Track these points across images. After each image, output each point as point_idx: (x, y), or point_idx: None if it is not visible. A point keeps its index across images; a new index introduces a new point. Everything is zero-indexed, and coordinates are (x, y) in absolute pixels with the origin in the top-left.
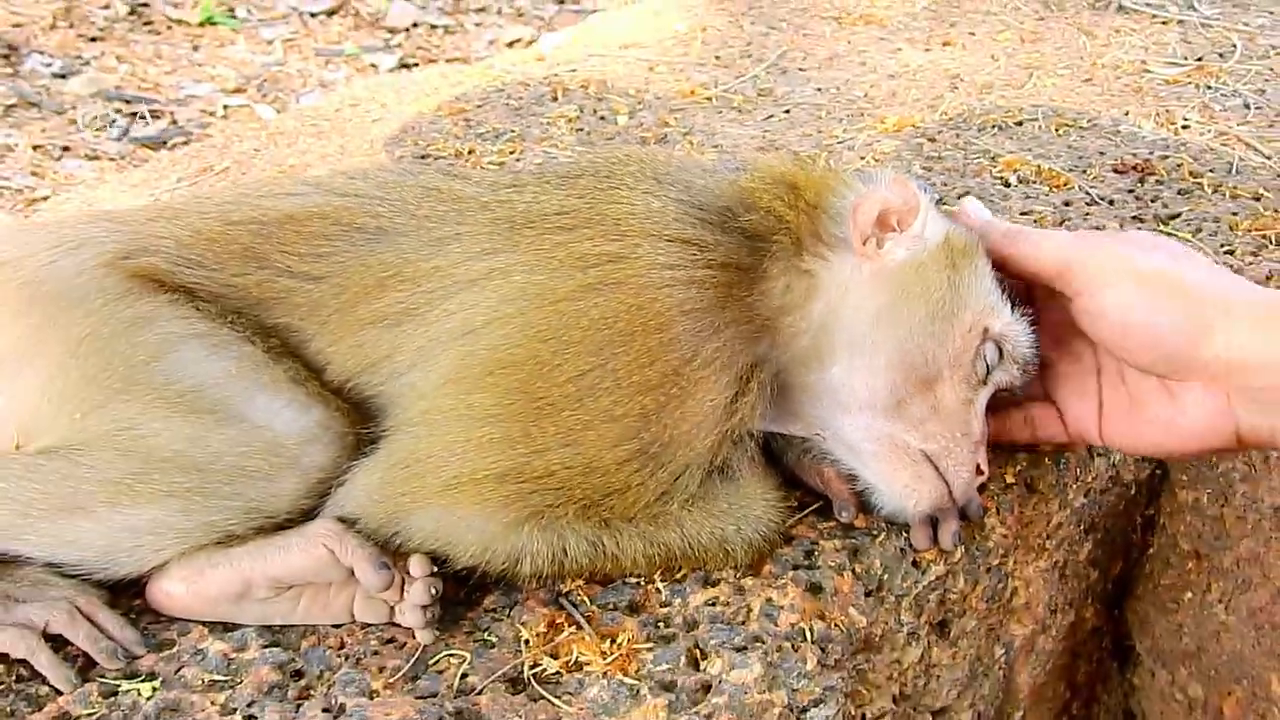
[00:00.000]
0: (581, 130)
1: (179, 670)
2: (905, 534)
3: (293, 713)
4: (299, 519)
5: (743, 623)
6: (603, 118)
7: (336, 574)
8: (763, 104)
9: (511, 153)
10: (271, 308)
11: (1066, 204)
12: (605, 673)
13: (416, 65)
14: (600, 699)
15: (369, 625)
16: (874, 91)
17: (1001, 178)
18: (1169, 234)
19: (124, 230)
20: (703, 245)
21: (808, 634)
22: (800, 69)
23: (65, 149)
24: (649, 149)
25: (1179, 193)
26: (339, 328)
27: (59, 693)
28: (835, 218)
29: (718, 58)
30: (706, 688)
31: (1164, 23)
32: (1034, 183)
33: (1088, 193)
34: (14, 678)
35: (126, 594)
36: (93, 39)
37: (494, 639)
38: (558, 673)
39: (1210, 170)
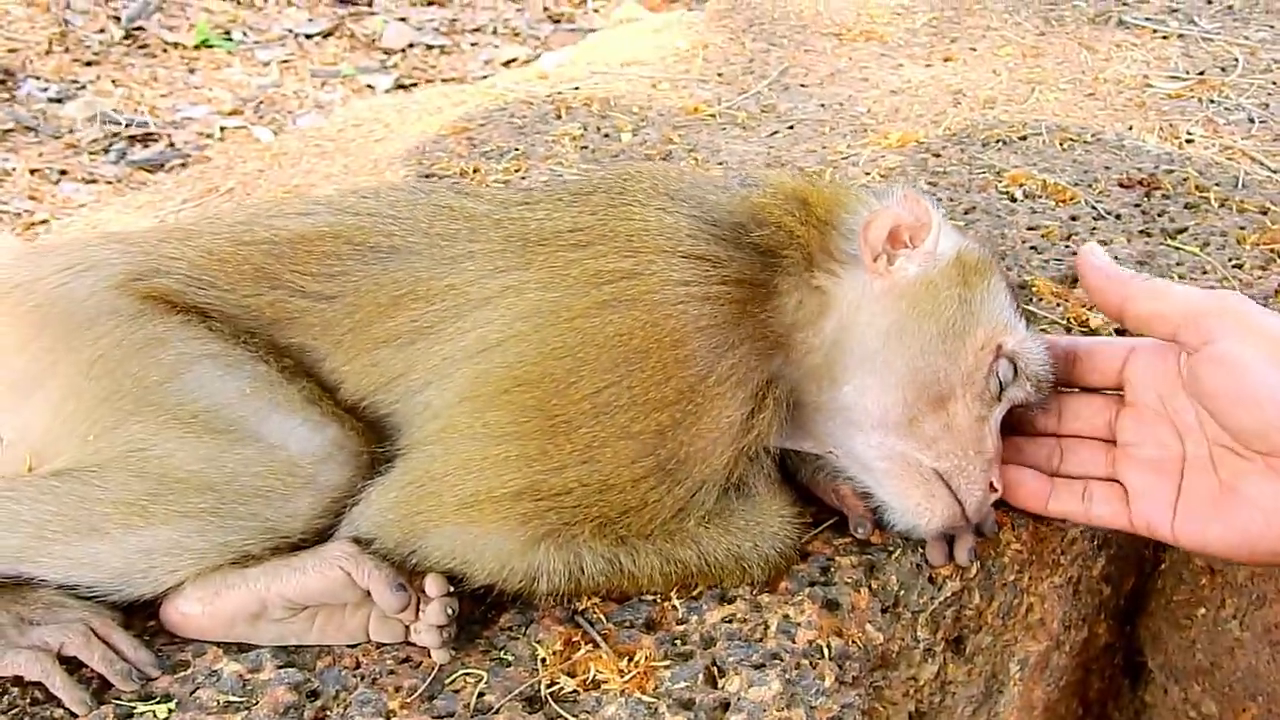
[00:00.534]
0: (586, 148)
1: (194, 692)
2: (921, 550)
3: None
4: (314, 539)
5: (760, 640)
6: (607, 135)
7: (352, 595)
8: (766, 120)
9: (516, 171)
10: (285, 327)
11: (1073, 218)
12: (623, 691)
13: (414, 86)
14: (618, 717)
15: (384, 645)
16: (877, 107)
17: (1007, 192)
18: (1176, 248)
19: (135, 251)
20: (716, 261)
21: (825, 651)
22: (802, 85)
23: (63, 172)
24: (661, 165)
25: (1185, 207)
26: (353, 347)
27: (74, 715)
28: (846, 234)
29: (720, 75)
30: (725, 705)
31: (1165, 37)
32: (1040, 197)
33: (1094, 207)
34: (29, 700)
35: (140, 615)
36: (88, 63)
37: (510, 657)
38: (575, 691)
39: (1216, 184)
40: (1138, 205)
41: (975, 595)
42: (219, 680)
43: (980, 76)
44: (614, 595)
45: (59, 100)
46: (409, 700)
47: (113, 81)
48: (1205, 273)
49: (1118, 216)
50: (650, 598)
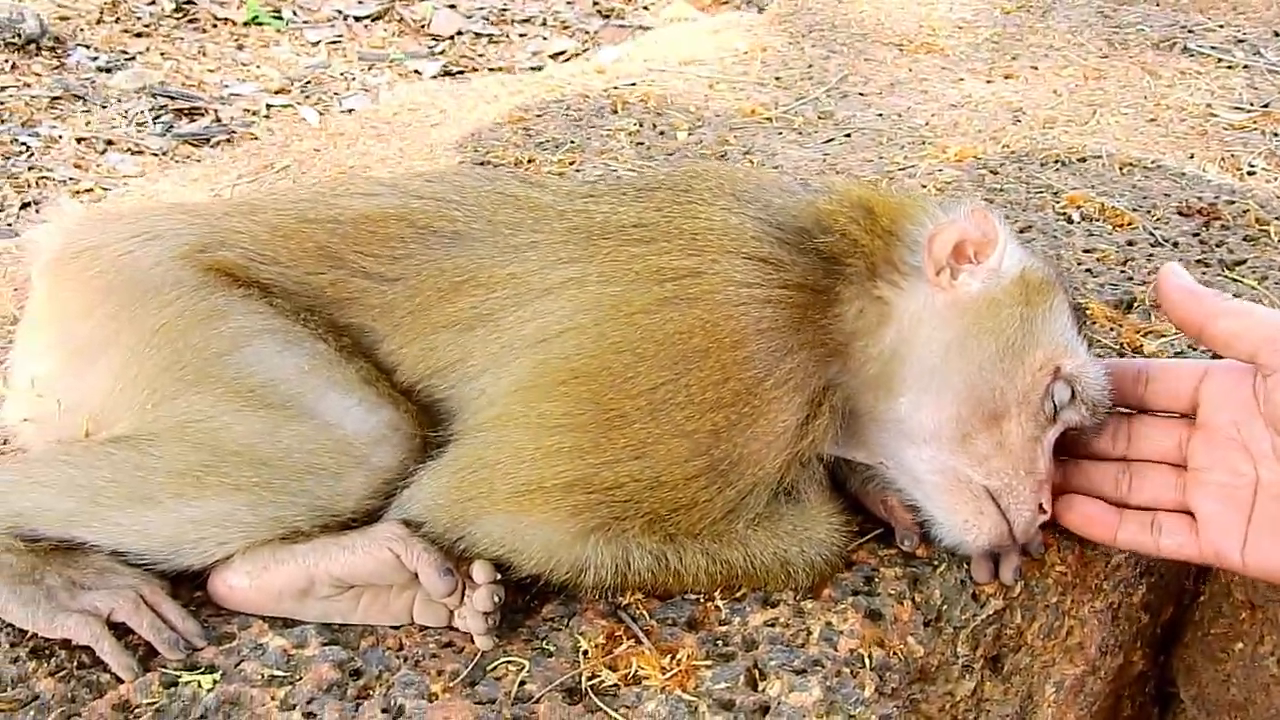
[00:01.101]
0: (641, 144)
1: (239, 664)
2: (966, 566)
3: (352, 712)
4: (363, 519)
5: (802, 645)
6: (662, 133)
7: (400, 577)
8: (823, 127)
9: (571, 164)
10: (344, 307)
11: (1130, 244)
12: (664, 688)
13: (461, 73)
14: (658, 713)
15: (428, 628)
16: (935, 120)
17: (1064, 214)
18: (1234, 280)
19: (201, 223)
20: (779, 265)
21: (866, 660)
22: (861, 94)
23: (109, 143)
24: (727, 165)
25: (1245, 239)
26: (411, 330)
27: (120, 681)
28: (911, 245)
29: (778, 78)
30: (765, 709)
31: (1229, 67)
32: (1097, 220)
33: (1152, 234)
34: (76, 663)
35: (187, 585)
36: (138, 34)
37: (552, 648)
38: (615, 685)
39: (1277, 218)
40: (1196, 235)
41: (1017, 614)
42: (264, 654)
43: (1041, 95)
44: (657, 592)
45: (108, 70)
46: (451, 685)
47: (161, 54)
48: None
49: (1175, 244)
50: (693, 597)
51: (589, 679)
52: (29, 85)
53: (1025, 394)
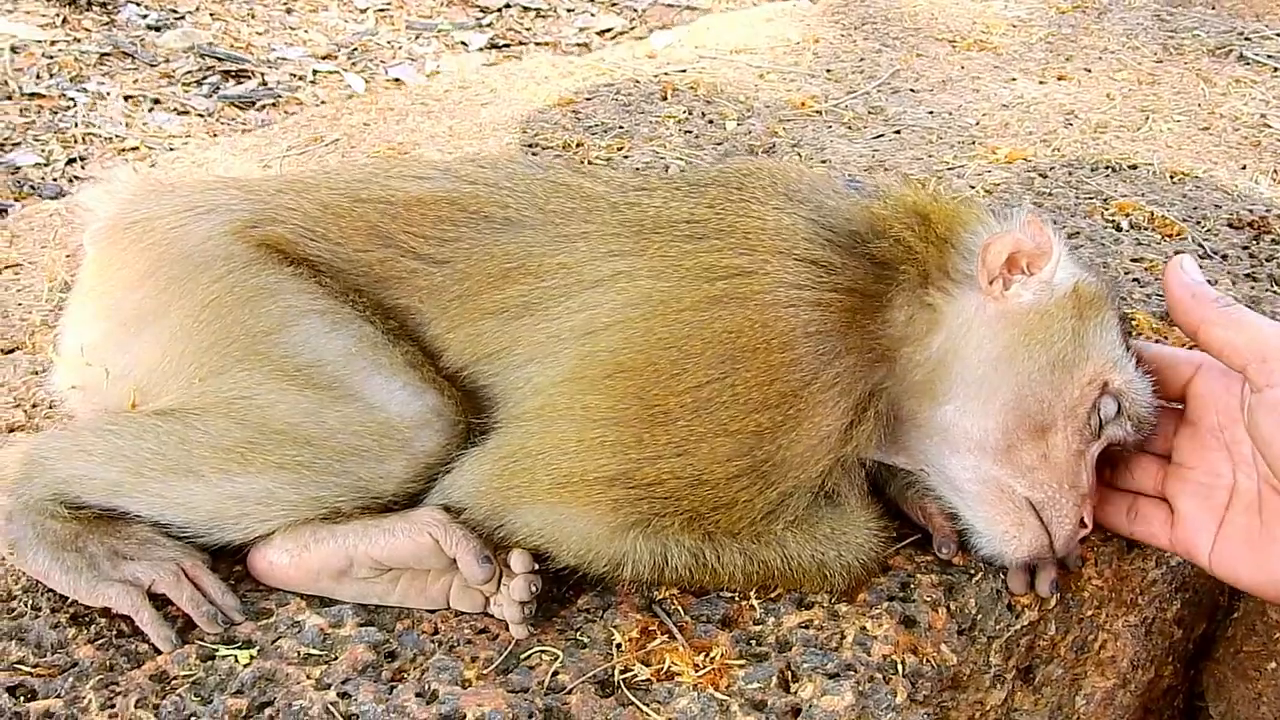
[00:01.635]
0: (689, 133)
1: (276, 640)
2: (1002, 576)
3: (386, 694)
4: (404, 502)
5: (835, 649)
6: (711, 121)
7: (438, 562)
8: (873, 122)
9: (619, 149)
10: (392, 288)
11: (1178, 254)
12: (696, 685)
13: (507, 46)
14: (689, 711)
15: (463, 614)
16: (986, 120)
17: (1113, 221)
18: None
19: (253, 199)
20: (831, 268)
21: (900, 667)
22: (912, 90)
23: (156, 102)
24: (780, 163)
25: None
26: (459, 315)
27: (158, 652)
28: (964, 254)
29: (829, 71)
30: (796, 711)
31: None
32: (1146, 229)
33: (1201, 245)
34: (115, 632)
35: (226, 560)
36: None
37: (586, 640)
38: (648, 680)
39: None
40: (1246, 248)
41: (1051, 626)
42: (300, 631)
43: (1094, 99)
44: (693, 589)
45: (157, 29)
46: (485, 671)
47: (211, 15)
48: None
49: (1224, 257)
50: (728, 595)
51: (622, 672)
52: (79, 41)
53: (1072, 407)
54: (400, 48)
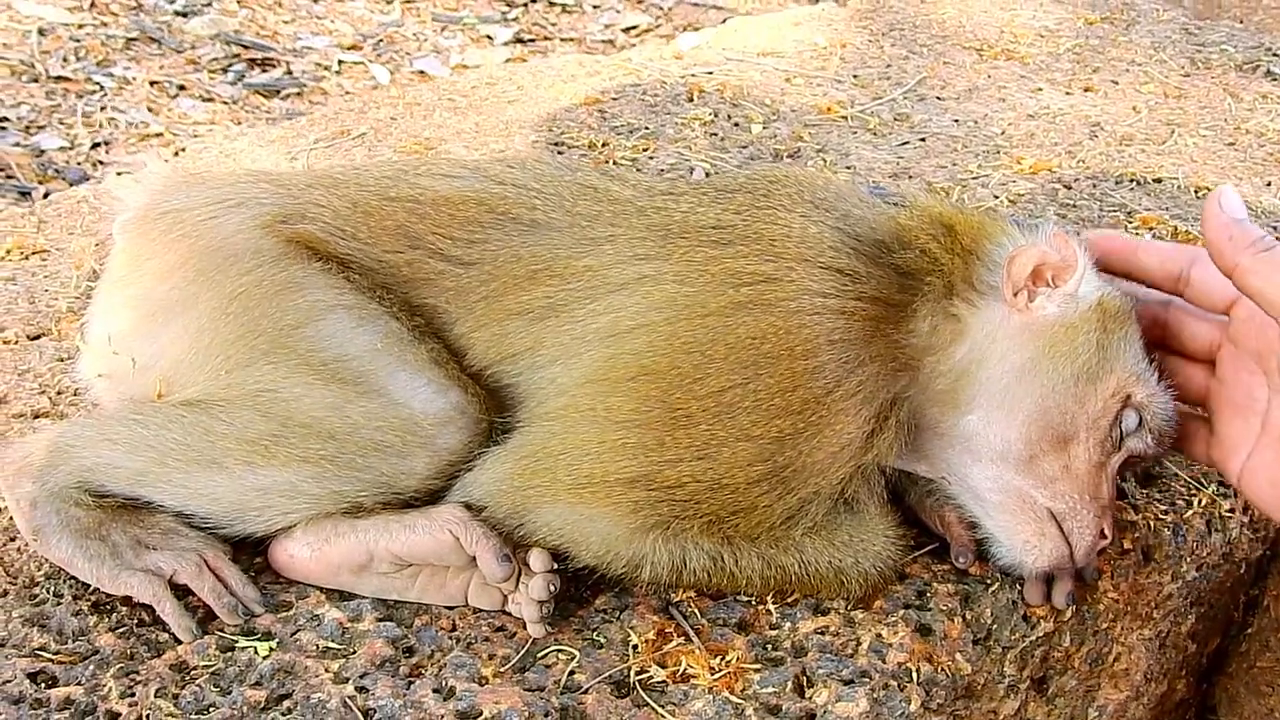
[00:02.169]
0: (715, 135)
1: (295, 633)
2: (1018, 586)
3: (404, 689)
4: (425, 499)
5: (851, 655)
6: (737, 124)
7: (458, 559)
8: (898, 129)
9: (645, 150)
10: (419, 287)
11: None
12: (711, 688)
13: (532, 41)
14: (704, 713)
15: (481, 611)
16: (1012, 130)
17: (1136, 234)
18: None
19: (284, 194)
20: (856, 276)
21: (915, 675)
22: (938, 97)
23: (181, 88)
24: (808, 171)
25: None
26: (484, 315)
27: (179, 641)
28: (989, 265)
29: (855, 76)
30: (811, 716)
31: None
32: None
33: None
34: (136, 621)
35: (247, 552)
36: None
37: (603, 640)
38: (664, 682)
39: None
40: None
41: (1066, 638)
42: (320, 625)
43: (1120, 111)
44: (710, 592)
45: (184, 15)
46: (502, 670)
47: (238, 2)
48: None
49: None
50: (745, 599)
51: (638, 674)
52: (106, 25)
53: (1095, 419)
54: (425, 40)
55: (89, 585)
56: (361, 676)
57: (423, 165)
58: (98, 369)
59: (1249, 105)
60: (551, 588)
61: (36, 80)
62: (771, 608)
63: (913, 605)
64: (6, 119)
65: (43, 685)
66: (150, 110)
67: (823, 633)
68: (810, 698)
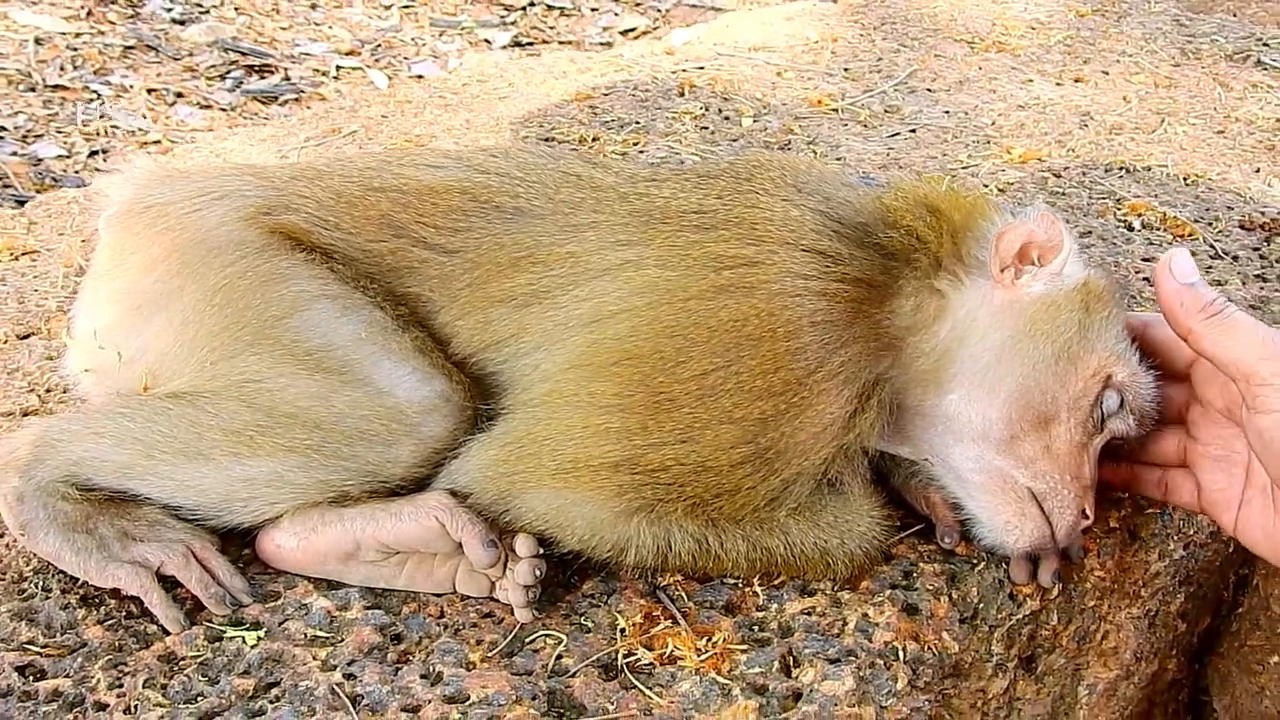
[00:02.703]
0: (705, 129)
1: (283, 623)
2: (1004, 566)
3: (391, 675)
4: (411, 486)
5: (837, 635)
6: (727, 118)
7: (444, 546)
8: (889, 121)
9: (635, 144)
10: (404, 276)
11: (1190, 254)
12: (698, 669)
13: (531, 45)
14: (692, 694)
15: (469, 598)
16: (1002, 120)
17: (1125, 221)
18: None
19: (267, 186)
20: (837, 258)
21: (901, 653)
22: (929, 90)
23: (179, 95)
24: (790, 156)
25: None
26: (468, 302)
27: (167, 632)
28: (978, 240)
29: (846, 70)
30: (797, 695)
31: None
32: (1158, 229)
33: (1212, 246)
34: (124, 613)
35: (235, 542)
36: None
37: (590, 624)
38: (651, 664)
39: None
40: (1256, 249)
41: (1053, 616)
42: (308, 614)
43: (1110, 101)
44: (697, 574)
45: (182, 22)
46: (490, 655)
47: (236, 8)
48: None
49: (1235, 258)
50: (732, 581)
51: (625, 656)
52: (103, 33)
53: (1076, 399)
54: (424, 45)
55: (77, 579)
56: (349, 664)
57: (406, 156)
58: (84, 363)
59: (1239, 94)
60: (537, 573)
61: (34, 89)
62: (758, 590)
63: (899, 585)
64: (4, 128)
65: (31, 678)
66: (148, 118)
67: (809, 613)
68: (797, 677)
